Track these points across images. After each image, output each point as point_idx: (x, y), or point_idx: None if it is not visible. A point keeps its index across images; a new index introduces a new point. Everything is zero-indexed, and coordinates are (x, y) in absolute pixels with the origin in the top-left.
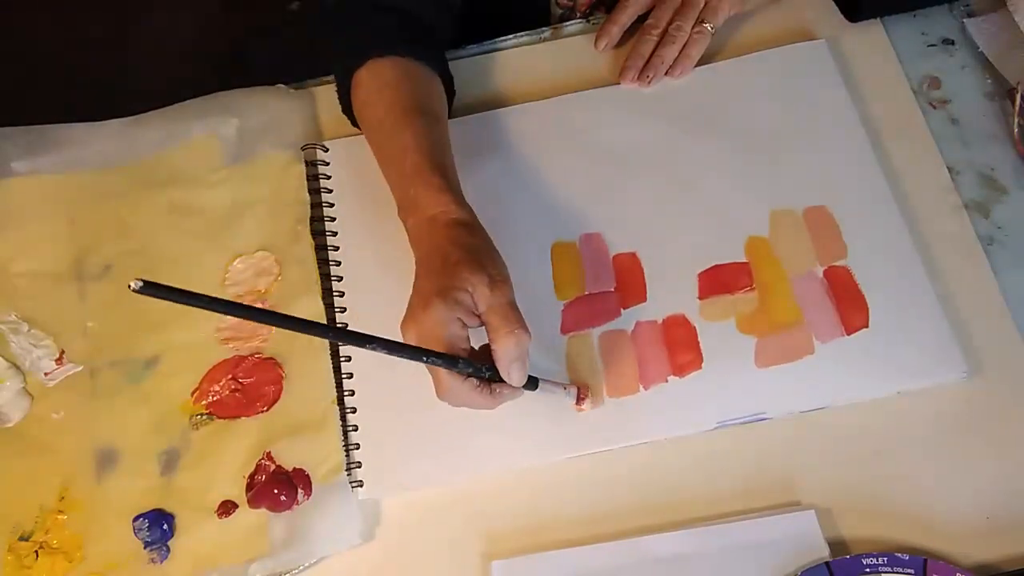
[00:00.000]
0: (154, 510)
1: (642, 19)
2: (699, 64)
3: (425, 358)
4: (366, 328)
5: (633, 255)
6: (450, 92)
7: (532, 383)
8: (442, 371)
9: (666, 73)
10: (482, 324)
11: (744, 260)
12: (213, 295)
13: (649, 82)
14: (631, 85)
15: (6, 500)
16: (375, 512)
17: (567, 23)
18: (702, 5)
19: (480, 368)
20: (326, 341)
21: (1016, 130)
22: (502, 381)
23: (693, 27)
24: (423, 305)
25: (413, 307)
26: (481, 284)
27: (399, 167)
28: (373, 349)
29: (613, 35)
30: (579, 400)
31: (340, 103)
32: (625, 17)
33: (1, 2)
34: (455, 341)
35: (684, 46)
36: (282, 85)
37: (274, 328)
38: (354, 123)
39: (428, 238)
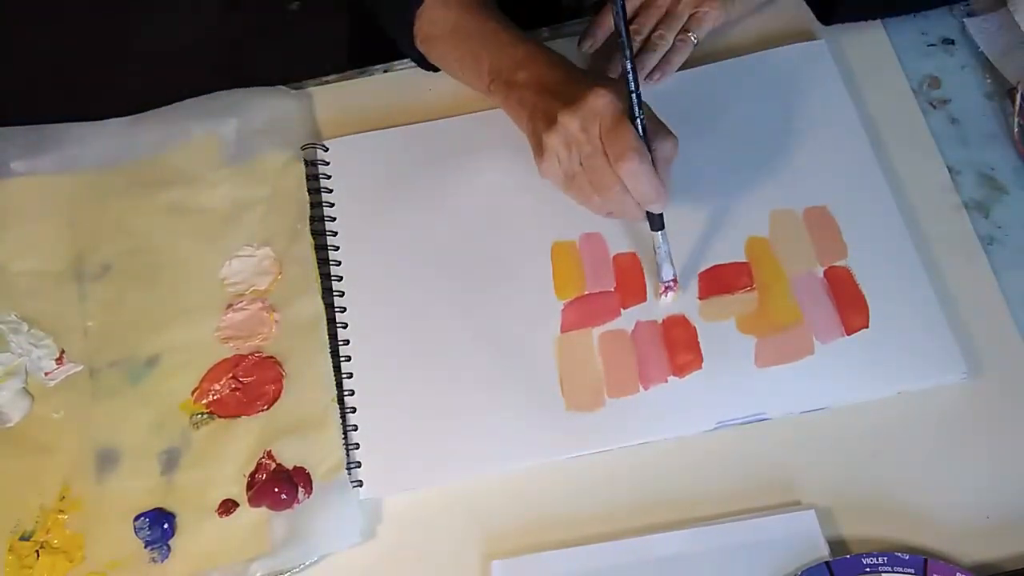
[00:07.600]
0: (155, 509)
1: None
2: (700, 64)
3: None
4: (365, 328)
5: (633, 255)
6: None
7: (660, 220)
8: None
9: (646, 78)
10: None
11: (744, 260)
12: None
13: None
14: None
15: (7, 500)
16: (376, 511)
17: (566, 23)
18: (686, 16)
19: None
20: (325, 339)
21: (1016, 130)
22: None
23: (677, 35)
24: (587, 86)
25: (568, 95)
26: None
27: (495, 42)
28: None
29: (598, 38)
30: (665, 290)
31: (401, 41)
32: (609, 20)
33: (1, 3)
34: None
35: (667, 52)
36: (282, 86)
37: (274, 327)
38: (422, 64)
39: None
